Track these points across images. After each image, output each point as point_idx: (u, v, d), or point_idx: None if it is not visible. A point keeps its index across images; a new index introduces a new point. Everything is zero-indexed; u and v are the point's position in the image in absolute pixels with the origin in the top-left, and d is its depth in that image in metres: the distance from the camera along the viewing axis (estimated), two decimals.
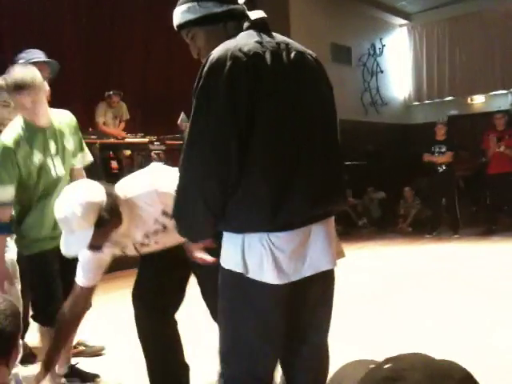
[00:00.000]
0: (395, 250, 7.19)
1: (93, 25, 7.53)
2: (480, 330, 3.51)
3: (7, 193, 2.52)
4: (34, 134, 2.59)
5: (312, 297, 1.62)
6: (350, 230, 8.85)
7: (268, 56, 1.50)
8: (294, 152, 1.49)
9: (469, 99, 12.08)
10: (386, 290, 4.78)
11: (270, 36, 1.61)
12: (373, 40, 11.86)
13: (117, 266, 2.65)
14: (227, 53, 1.45)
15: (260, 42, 1.53)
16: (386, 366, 0.78)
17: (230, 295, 1.57)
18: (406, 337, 3.38)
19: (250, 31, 1.59)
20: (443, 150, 8.10)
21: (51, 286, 2.67)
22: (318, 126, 1.58)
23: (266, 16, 1.69)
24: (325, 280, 1.63)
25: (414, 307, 4.15)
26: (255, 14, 1.67)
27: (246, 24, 1.63)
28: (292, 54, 1.59)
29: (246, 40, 1.53)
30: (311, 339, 1.68)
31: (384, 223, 9.07)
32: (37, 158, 2.59)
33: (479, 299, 4.25)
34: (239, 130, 1.42)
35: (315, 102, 1.59)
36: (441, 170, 8.12)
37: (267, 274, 1.47)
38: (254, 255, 1.48)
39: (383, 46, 12.10)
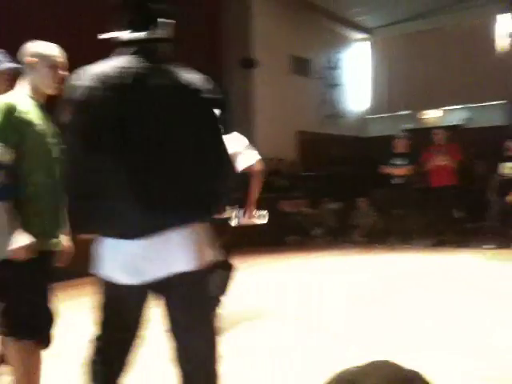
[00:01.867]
0: (349, 259, 7.32)
1: None
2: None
3: None
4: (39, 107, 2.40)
5: (172, 299, 1.76)
6: (306, 239, 8.97)
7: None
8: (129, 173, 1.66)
9: (423, 113, 12.44)
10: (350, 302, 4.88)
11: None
12: (332, 53, 12.10)
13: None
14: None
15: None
16: (350, 370, 0.82)
17: None
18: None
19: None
20: (403, 162, 8.31)
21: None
22: (161, 150, 1.69)
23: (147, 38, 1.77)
24: (183, 283, 1.73)
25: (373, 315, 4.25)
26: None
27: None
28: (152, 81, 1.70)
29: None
30: (181, 339, 1.79)
31: (339, 233, 9.22)
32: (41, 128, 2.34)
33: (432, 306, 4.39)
34: None
35: (160, 127, 1.69)
36: (398, 182, 8.31)
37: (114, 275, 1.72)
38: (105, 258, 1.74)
39: (342, 59, 12.36)
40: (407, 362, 0.85)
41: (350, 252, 7.90)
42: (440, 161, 8.07)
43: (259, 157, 4.28)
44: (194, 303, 1.77)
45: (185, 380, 1.81)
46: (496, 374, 2.80)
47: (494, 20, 11.42)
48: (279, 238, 8.47)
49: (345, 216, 9.30)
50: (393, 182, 8.33)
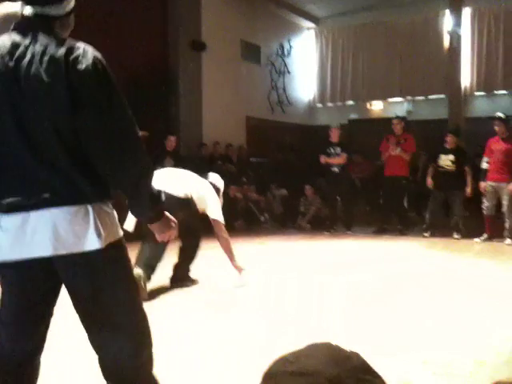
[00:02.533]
0: (294, 245, 7.42)
1: None
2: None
3: None
4: None
5: (70, 283, 1.72)
6: (253, 225, 9.02)
7: None
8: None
9: (368, 104, 12.72)
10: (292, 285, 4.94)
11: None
12: (282, 40, 12.13)
13: None
14: None
15: None
16: (292, 352, 0.84)
17: None
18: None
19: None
20: (338, 151, 8.48)
21: None
22: (33, 126, 1.63)
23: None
24: (76, 266, 1.68)
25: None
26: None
27: None
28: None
29: None
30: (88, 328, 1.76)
31: (285, 220, 9.33)
32: None
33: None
34: None
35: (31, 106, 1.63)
36: (336, 170, 8.49)
37: None
38: None
39: (291, 47, 12.42)
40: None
41: (296, 238, 8.01)
42: (395, 151, 8.28)
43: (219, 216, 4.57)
44: (96, 287, 1.69)
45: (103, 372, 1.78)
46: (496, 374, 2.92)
47: (436, 16, 11.78)
48: (227, 222, 8.46)
49: (291, 203, 9.41)
50: (333, 170, 8.49)
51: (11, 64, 1.61)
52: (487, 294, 4.58)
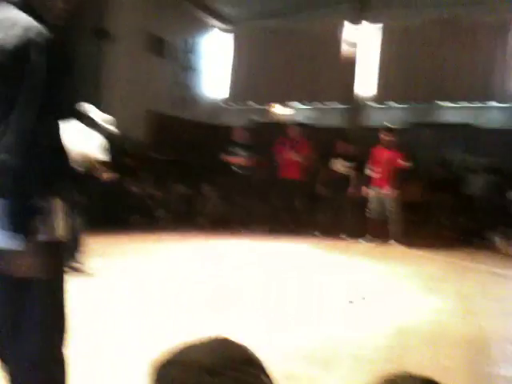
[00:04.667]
0: (191, 244, 7.42)
1: None
2: None
3: None
4: None
5: None
6: (148, 220, 8.86)
7: None
8: None
9: (270, 108, 12.96)
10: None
11: None
12: (188, 36, 12.03)
13: None
14: None
15: None
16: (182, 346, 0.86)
17: None
18: None
19: None
20: (241, 152, 8.61)
21: None
22: None
23: None
24: None
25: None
26: None
27: None
28: None
29: None
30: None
31: (183, 216, 9.26)
32: None
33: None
34: None
35: None
36: (238, 170, 8.60)
37: None
38: None
39: (198, 43, 12.36)
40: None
41: (194, 236, 8.00)
42: (291, 155, 8.53)
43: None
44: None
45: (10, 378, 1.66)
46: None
47: (337, 26, 12.23)
48: (122, 217, 8.27)
49: (190, 200, 9.37)
50: (237, 170, 8.60)
51: None
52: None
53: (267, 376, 0.87)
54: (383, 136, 8.09)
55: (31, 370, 1.62)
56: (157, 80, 10.85)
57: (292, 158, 8.53)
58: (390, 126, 8.34)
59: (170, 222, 9.07)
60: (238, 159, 8.56)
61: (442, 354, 3.33)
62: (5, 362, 1.66)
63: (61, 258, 1.72)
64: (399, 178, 7.93)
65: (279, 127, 10.87)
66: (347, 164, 8.41)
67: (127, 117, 9.80)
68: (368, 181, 8.09)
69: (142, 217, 8.79)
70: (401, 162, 7.94)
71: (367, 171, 8.12)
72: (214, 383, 0.77)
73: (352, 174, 8.32)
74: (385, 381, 1.05)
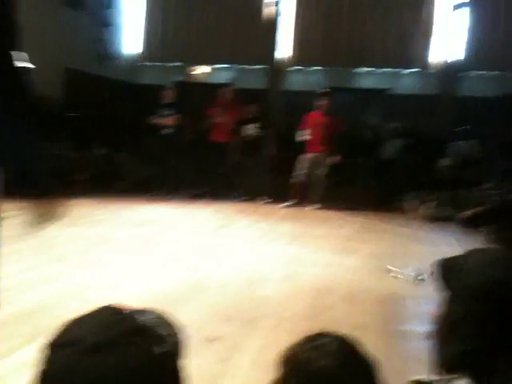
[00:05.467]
0: (114, 207, 7.27)
1: None
2: None
3: None
4: None
5: None
6: (70, 184, 8.55)
7: None
8: None
9: (195, 68, 12.71)
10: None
11: None
12: None
13: None
14: None
15: None
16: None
17: None
18: None
19: None
20: (170, 112, 8.43)
21: None
22: None
23: None
24: None
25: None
26: None
27: None
28: None
29: None
30: None
31: (105, 180, 9.00)
32: None
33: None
34: None
35: None
36: (167, 131, 8.44)
37: None
38: None
39: None
40: None
41: (115, 201, 7.83)
42: (221, 118, 8.43)
43: None
44: None
45: None
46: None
47: None
48: (39, 180, 7.91)
49: (111, 163, 9.11)
50: (163, 132, 8.43)
51: None
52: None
53: (167, 342, 0.81)
54: (320, 101, 8.12)
55: None
56: (74, 36, 10.32)
57: (223, 121, 8.46)
58: (326, 90, 8.40)
59: (90, 185, 8.78)
60: (164, 120, 8.39)
61: (358, 311, 3.51)
62: None
63: None
64: (329, 142, 8.04)
65: (205, 88, 10.73)
66: (257, 126, 8.40)
67: (43, 74, 9.30)
68: (302, 146, 8.14)
69: (60, 180, 8.45)
70: (337, 126, 8.05)
71: (298, 136, 8.17)
72: (96, 362, 0.71)
73: (270, 135, 8.37)
74: (305, 339, 1.10)
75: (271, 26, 11.81)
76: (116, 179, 8.95)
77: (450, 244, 5.79)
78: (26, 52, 8.73)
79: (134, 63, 12.76)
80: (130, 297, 3.42)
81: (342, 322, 3.17)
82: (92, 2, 10.96)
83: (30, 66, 5.07)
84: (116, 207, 7.21)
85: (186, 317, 3.12)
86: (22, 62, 4.66)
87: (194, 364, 2.57)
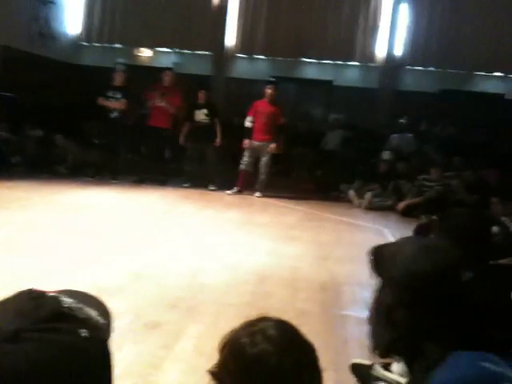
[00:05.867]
0: (50, 191, 7.02)
1: None
2: None
3: None
4: None
5: None
6: (3, 167, 8.20)
7: None
8: None
9: (137, 51, 12.44)
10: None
11: None
12: None
13: None
14: None
15: None
16: None
17: None
18: None
19: None
20: (118, 96, 8.22)
21: None
22: None
23: None
24: None
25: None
26: None
27: None
28: None
29: None
30: None
31: (40, 163, 8.68)
32: None
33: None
34: None
35: None
36: (115, 115, 8.24)
37: None
38: None
39: None
40: None
41: (51, 185, 7.56)
42: (161, 102, 8.28)
43: None
44: None
45: None
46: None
47: None
48: None
49: (49, 146, 8.79)
50: (110, 115, 8.22)
51: None
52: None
53: (92, 325, 0.74)
54: (267, 89, 8.12)
55: None
56: (13, 13, 9.85)
57: (161, 106, 8.31)
58: (272, 79, 8.40)
59: (27, 169, 8.43)
60: (113, 103, 8.18)
61: (299, 297, 3.56)
62: None
63: None
64: (273, 131, 8.07)
65: (147, 71, 10.51)
66: (203, 112, 8.37)
67: None
68: (248, 133, 8.13)
69: None
70: (279, 117, 8.09)
71: (246, 123, 8.15)
72: (15, 351, 0.65)
73: (216, 122, 8.35)
74: (246, 324, 1.11)
75: (220, 12, 11.71)
76: (53, 163, 8.64)
77: (388, 233, 5.98)
78: None
79: (75, 43, 12.33)
80: (61, 284, 3.33)
81: (283, 309, 3.21)
82: None
83: None
84: (50, 191, 6.95)
85: (126, 304, 3.09)
86: None
87: (136, 349, 2.57)
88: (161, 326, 2.85)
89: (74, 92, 10.09)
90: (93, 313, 0.75)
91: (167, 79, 8.51)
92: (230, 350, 1.06)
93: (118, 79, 8.35)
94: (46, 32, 11.00)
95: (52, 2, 11.21)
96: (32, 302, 0.71)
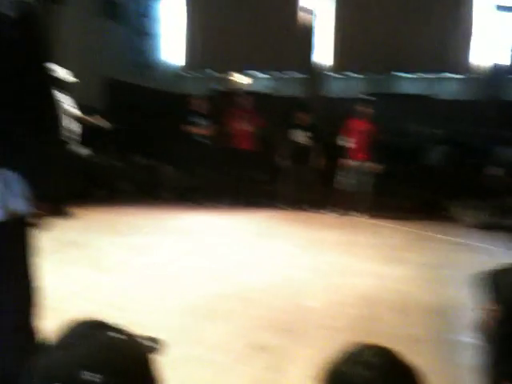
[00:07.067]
0: (156, 215, 7.32)
1: None
2: None
3: None
4: None
5: None
6: (112, 193, 8.68)
7: None
8: None
9: (231, 76, 12.80)
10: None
11: None
12: (146, 0, 11.69)
13: None
14: None
15: None
16: None
17: None
18: None
19: None
20: (204, 122, 8.49)
21: None
22: None
23: None
24: None
25: None
26: None
27: None
28: None
29: None
30: None
31: (148, 189, 9.10)
32: None
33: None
34: None
35: None
36: (201, 140, 8.49)
37: None
38: None
39: (156, 8, 12.03)
40: None
41: (157, 209, 7.88)
42: (243, 125, 8.46)
43: None
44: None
45: None
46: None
47: None
48: (87, 190, 8.06)
49: (153, 172, 9.21)
50: (197, 139, 8.50)
51: None
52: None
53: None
54: (362, 107, 8.03)
55: (5, 340, 1.61)
56: (111, 45, 10.52)
57: (243, 129, 8.48)
58: (366, 97, 8.31)
59: (133, 194, 8.88)
60: (199, 129, 8.46)
61: (409, 322, 3.41)
62: None
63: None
64: (370, 149, 7.92)
65: (236, 96, 10.77)
66: (306, 134, 8.38)
67: (82, 84, 9.49)
68: (345, 153, 8.05)
69: (106, 189, 8.60)
70: (376, 134, 7.95)
71: (340, 142, 8.07)
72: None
73: (311, 144, 8.33)
74: (346, 353, 1.08)
75: (307, 32, 11.78)
76: (158, 188, 9.03)
77: (500, 253, 5.60)
78: (67, 64, 9.05)
79: (172, 72, 12.92)
80: (174, 307, 3.43)
81: (392, 334, 3.09)
82: (129, 12, 11.16)
83: (73, 79, 5.38)
84: (157, 216, 7.25)
85: (234, 327, 3.12)
86: (64, 76, 4.88)
87: (246, 372, 2.57)
88: (270, 349, 2.84)
89: (174, 120, 10.53)
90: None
91: (246, 103, 8.68)
92: (331, 381, 1.04)
93: (201, 105, 8.61)
94: (143, 62, 11.60)
95: (152, 34, 11.86)
96: (79, 323, 0.87)
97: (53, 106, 1.62)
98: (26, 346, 1.66)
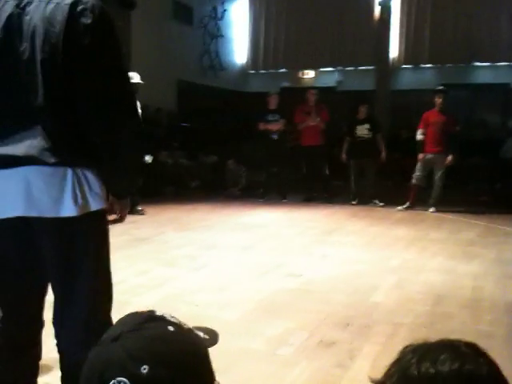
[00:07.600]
0: (226, 212, 7.45)
1: None
2: None
3: None
4: None
5: (44, 246, 1.60)
6: (183, 191, 8.93)
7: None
8: None
9: (300, 73, 12.78)
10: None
11: None
12: (215, 3, 11.88)
13: None
14: None
15: None
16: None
17: None
18: None
19: None
20: (276, 118, 8.51)
21: None
22: (26, 76, 1.54)
23: None
24: (48, 231, 1.58)
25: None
26: None
27: None
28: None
29: None
30: (56, 295, 1.67)
31: (215, 186, 9.29)
32: None
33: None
34: None
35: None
36: (275, 137, 8.52)
37: None
38: None
39: (225, 10, 12.20)
40: None
41: (225, 206, 8.02)
42: (311, 121, 8.41)
43: None
44: (64, 253, 1.59)
45: (58, 340, 1.68)
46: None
47: None
48: (157, 188, 8.35)
49: (221, 169, 9.38)
50: (271, 137, 8.52)
51: (18, 10, 1.54)
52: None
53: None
54: (436, 99, 7.72)
55: (80, 333, 1.64)
56: (186, 48, 10.78)
57: (311, 124, 8.42)
58: (441, 88, 7.98)
59: (204, 192, 9.09)
60: (273, 125, 8.50)
61: (483, 320, 3.29)
62: (54, 324, 1.69)
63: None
64: (446, 142, 7.59)
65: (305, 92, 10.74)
66: (366, 127, 8.20)
67: (157, 87, 9.82)
68: (420, 146, 7.78)
69: (177, 188, 8.86)
70: (452, 126, 7.63)
71: (418, 136, 7.80)
72: (114, 345, 0.79)
73: (379, 138, 8.15)
74: (414, 348, 1.03)
75: (382, 24, 11.56)
76: (227, 185, 9.19)
77: None
78: (137, 67, 9.37)
79: (242, 72, 13.07)
80: (238, 301, 3.48)
81: (464, 331, 2.98)
82: (200, 15, 11.39)
83: (141, 82, 5.68)
84: (226, 212, 7.38)
85: (297, 321, 3.13)
86: (135, 79, 5.15)
87: (312, 367, 2.57)
88: (336, 344, 2.83)
89: (241, 118, 10.67)
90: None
91: (312, 98, 8.59)
92: (398, 378, 1.00)
93: (273, 102, 8.62)
94: (215, 64, 11.83)
95: (221, 36, 12.04)
96: (133, 315, 0.86)
97: (135, 110, 1.65)
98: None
